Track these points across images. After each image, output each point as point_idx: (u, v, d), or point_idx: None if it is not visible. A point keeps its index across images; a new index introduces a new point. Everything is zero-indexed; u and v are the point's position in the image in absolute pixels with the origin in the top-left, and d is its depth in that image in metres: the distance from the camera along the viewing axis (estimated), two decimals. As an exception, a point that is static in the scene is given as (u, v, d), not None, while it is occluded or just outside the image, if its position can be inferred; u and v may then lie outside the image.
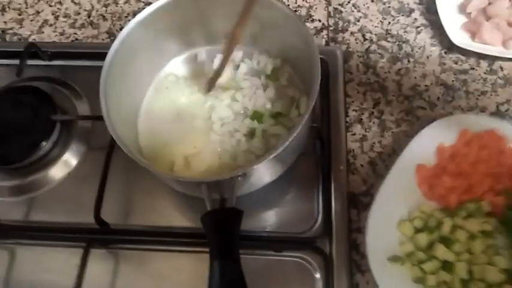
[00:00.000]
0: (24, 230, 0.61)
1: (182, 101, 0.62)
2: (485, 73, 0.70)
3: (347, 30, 0.76)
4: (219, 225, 0.46)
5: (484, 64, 0.71)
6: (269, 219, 0.61)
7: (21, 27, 0.79)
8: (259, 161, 0.47)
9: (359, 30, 0.75)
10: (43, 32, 0.78)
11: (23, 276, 0.58)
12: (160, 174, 0.52)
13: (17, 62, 0.70)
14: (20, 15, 0.80)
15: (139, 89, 0.63)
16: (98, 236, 0.59)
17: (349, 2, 0.78)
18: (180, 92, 0.62)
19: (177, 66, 0.66)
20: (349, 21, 0.76)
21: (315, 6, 0.78)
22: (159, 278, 0.57)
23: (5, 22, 0.79)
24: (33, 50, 0.70)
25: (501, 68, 0.70)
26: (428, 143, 0.61)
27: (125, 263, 0.58)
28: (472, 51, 0.70)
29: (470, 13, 0.73)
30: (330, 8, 0.78)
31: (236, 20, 0.52)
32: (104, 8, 0.80)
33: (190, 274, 0.57)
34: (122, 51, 0.56)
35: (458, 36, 0.71)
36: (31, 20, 0.79)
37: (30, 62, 0.70)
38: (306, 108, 0.56)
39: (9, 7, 0.80)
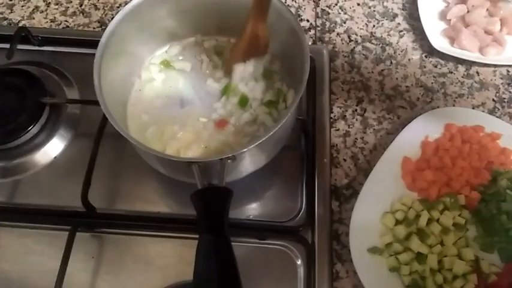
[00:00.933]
0: (8, 212, 0.60)
1: (172, 88, 0.63)
2: (462, 77, 0.74)
3: (333, 31, 0.78)
4: (209, 201, 0.47)
5: (461, 68, 0.74)
6: (254, 207, 0.63)
7: (11, 12, 0.79)
8: (250, 144, 0.49)
9: (345, 32, 0.78)
10: (34, 18, 0.78)
11: (6, 257, 0.58)
12: (150, 154, 0.53)
13: (6, 45, 0.69)
14: (10, 0, 0.80)
15: (130, 73, 0.64)
16: (84, 219, 0.59)
17: (336, 4, 0.81)
18: (171, 79, 0.63)
19: (170, 52, 0.67)
20: (335, 23, 0.79)
21: (303, 7, 0.81)
22: (144, 262, 0.58)
23: (-5, 6, 0.79)
24: (24, 34, 0.70)
25: (477, 73, 0.74)
26: (415, 136, 0.65)
27: (110, 247, 0.59)
28: (451, 55, 0.74)
29: (450, 20, 0.77)
30: (318, 9, 0.81)
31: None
32: (96, -2, 0.81)
33: (175, 259, 0.58)
34: (118, 31, 0.56)
35: (438, 41, 0.75)
36: (22, 6, 0.79)
37: (20, 46, 0.70)
38: (293, 99, 0.59)
39: (0, -8, 0.80)
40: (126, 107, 0.62)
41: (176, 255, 0.59)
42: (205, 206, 0.47)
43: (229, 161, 0.49)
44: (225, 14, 0.63)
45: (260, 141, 0.49)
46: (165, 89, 0.63)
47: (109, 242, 0.59)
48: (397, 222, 0.60)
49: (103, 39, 0.54)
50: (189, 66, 0.65)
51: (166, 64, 0.65)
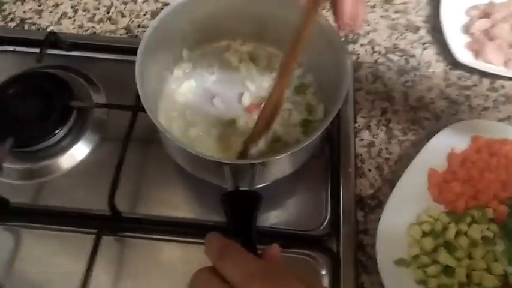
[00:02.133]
0: (32, 213, 0.60)
1: (203, 88, 0.64)
2: (487, 90, 0.73)
3: (357, 42, 0.79)
4: (240, 204, 0.46)
5: (486, 82, 0.74)
6: (278, 215, 0.62)
7: (39, 18, 0.80)
8: (284, 152, 0.49)
9: (368, 43, 0.79)
10: (61, 24, 0.79)
11: (30, 259, 0.58)
12: (181, 152, 0.52)
13: (35, 50, 0.71)
14: (39, 6, 0.81)
15: (165, 68, 0.65)
16: (109, 223, 0.59)
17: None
18: (203, 79, 0.64)
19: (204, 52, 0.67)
20: (359, 34, 0.80)
21: (326, 19, 0.81)
22: (168, 268, 0.58)
23: (24, 12, 0.80)
24: (52, 39, 0.72)
25: (502, 86, 0.74)
26: (441, 148, 0.64)
27: (134, 251, 0.58)
28: (475, 68, 0.73)
29: (473, 33, 0.77)
30: (341, 21, 0.81)
31: (289, 47, 0.49)
32: (123, 6, 0.82)
33: (199, 266, 0.57)
34: (161, 26, 0.57)
35: (462, 54, 0.75)
36: (50, 12, 0.81)
37: (49, 51, 0.71)
38: (324, 112, 0.59)
39: (29, -3, 0.82)
40: (158, 104, 0.62)
41: (200, 262, 0.56)
42: (234, 208, 0.47)
43: (260, 166, 0.49)
44: (263, 21, 0.64)
45: (292, 151, 0.49)
46: (197, 89, 0.64)
47: (133, 246, 0.59)
48: (424, 234, 0.59)
49: (147, 33, 0.55)
50: (222, 69, 0.66)
51: (199, 60, 0.65)
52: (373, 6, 0.83)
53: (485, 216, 0.59)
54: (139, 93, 0.51)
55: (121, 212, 0.58)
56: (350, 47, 0.78)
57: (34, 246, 0.59)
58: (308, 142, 0.50)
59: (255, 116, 0.59)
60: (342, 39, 0.79)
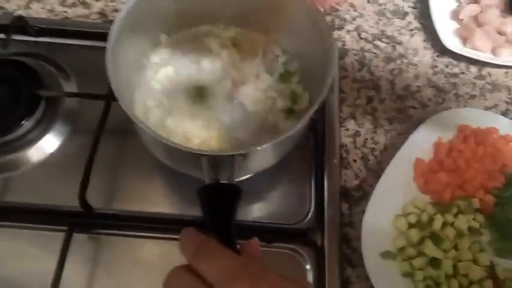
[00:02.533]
0: None
1: (183, 76, 0.60)
2: (474, 78, 0.72)
3: (343, 28, 0.76)
4: (217, 198, 0.44)
5: (473, 69, 0.73)
6: (261, 209, 0.60)
7: (7, 2, 0.75)
8: (264, 143, 0.46)
9: (355, 29, 0.76)
10: (31, 8, 0.75)
11: (-4, 259, 0.55)
12: (157, 143, 0.49)
13: (1, 36, 0.66)
14: (6, -12, 0.76)
15: (141, 55, 0.61)
16: (81, 220, 0.56)
17: (345, 1, 0.79)
18: (183, 66, 0.60)
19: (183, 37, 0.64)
20: (345, 20, 0.77)
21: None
22: (145, 266, 0.55)
23: (-11, -5, 0.75)
24: (20, 24, 0.67)
25: (489, 74, 0.72)
26: (428, 138, 0.62)
27: (108, 249, 0.55)
28: (463, 56, 0.72)
29: (462, 19, 0.75)
30: (327, 6, 0.78)
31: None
32: (97, -12, 0.77)
33: (177, 262, 0.54)
34: (135, 10, 0.53)
35: (450, 40, 0.73)
36: (18, -5, 0.76)
37: (16, 37, 0.67)
38: (309, 101, 0.57)
39: (-5, -20, 0.77)
40: (133, 92, 0.58)
41: (178, 259, 0.54)
42: (212, 203, 0.44)
43: (240, 157, 0.46)
44: (246, 4, 0.60)
45: (276, 141, 0.46)
46: (175, 76, 0.60)
47: (107, 243, 0.56)
48: (410, 226, 0.57)
49: (120, 15, 0.51)
50: (202, 55, 0.62)
51: (178, 46, 0.62)
52: (360, -9, 0.80)
53: (471, 206, 0.58)
54: (110, 82, 0.47)
55: (93, 208, 0.55)
56: (336, 34, 0.75)
57: (1, 245, 0.55)
58: (292, 132, 0.48)
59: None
60: (329, 25, 0.76)
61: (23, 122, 0.59)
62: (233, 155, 0.47)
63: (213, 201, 0.44)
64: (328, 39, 0.52)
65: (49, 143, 0.61)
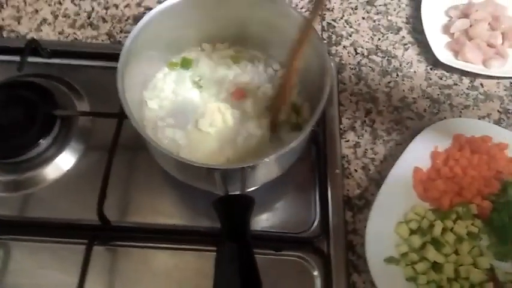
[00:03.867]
0: (21, 225, 0.59)
1: (187, 92, 0.64)
2: (467, 89, 0.76)
3: (340, 44, 0.80)
4: (232, 209, 0.47)
5: (466, 80, 0.76)
6: (268, 219, 0.63)
7: (19, 25, 0.78)
8: (271, 154, 0.49)
9: (351, 45, 0.80)
10: (41, 31, 0.78)
11: (19, 272, 0.57)
12: (170, 160, 0.52)
13: (16, 58, 0.69)
14: (18, 12, 0.79)
15: (149, 75, 0.64)
16: (100, 233, 0.58)
17: (341, 18, 0.83)
18: (187, 84, 0.64)
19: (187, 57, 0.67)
20: (341, 36, 0.81)
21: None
22: (161, 276, 0.57)
23: (2, 19, 0.78)
24: (33, 47, 0.70)
25: (481, 85, 0.76)
26: (425, 147, 0.66)
27: (125, 261, 0.58)
28: (455, 68, 0.75)
29: (453, 33, 0.79)
30: (324, 23, 0.82)
31: (291, 51, 0.54)
32: (104, 11, 0.81)
33: (192, 272, 0.58)
34: (141, 35, 0.57)
35: (443, 54, 0.77)
36: (29, 18, 0.79)
37: (29, 59, 0.70)
38: (310, 112, 0.59)
39: (7, 4, 0.80)
40: (142, 109, 0.62)
41: (193, 268, 0.58)
42: (228, 213, 0.47)
43: (249, 169, 0.49)
44: (245, 25, 0.64)
45: (281, 152, 0.49)
46: (181, 93, 0.63)
47: (124, 255, 0.58)
48: (412, 232, 0.60)
49: (127, 43, 0.55)
50: (206, 72, 0.65)
51: (185, 64, 0.66)
52: (355, 8, 0.84)
53: (470, 212, 0.61)
54: (122, 102, 0.50)
55: (111, 221, 0.58)
56: (333, 49, 0.79)
57: (24, 259, 0.58)
58: (296, 143, 0.50)
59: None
60: (325, 41, 0.80)
61: (40, 140, 0.62)
62: (243, 167, 0.49)
63: (228, 212, 0.47)
64: (323, 53, 0.56)
65: (65, 161, 0.64)
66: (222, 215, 0.46)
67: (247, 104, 0.62)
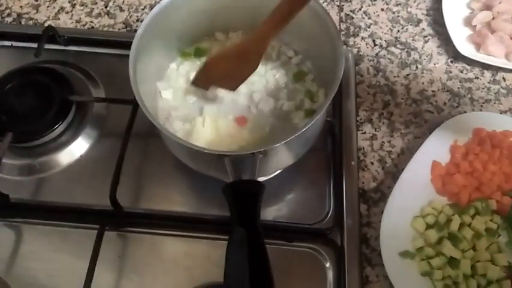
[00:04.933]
0: (34, 209, 0.60)
1: None
2: (488, 82, 0.73)
3: (358, 35, 0.78)
4: (242, 194, 0.46)
5: (487, 74, 0.74)
6: (281, 209, 0.62)
7: (37, 13, 0.79)
8: (283, 140, 0.48)
9: (369, 36, 0.78)
10: (59, 19, 0.78)
11: (32, 255, 0.57)
12: (181, 147, 0.52)
13: (33, 45, 0.70)
14: (36, 0, 0.80)
15: (163, 65, 0.64)
16: (111, 218, 0.58)
17: (360, 9, 0.81)
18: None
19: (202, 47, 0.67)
20: (360, 27, 0.79)
21: (327, 11, 0.81)
22: (171, 262, 0.57)
23: (21, 7, 0.79)
24: (50, 34, 0.71)
25: (503, 79, 0.74)
26: (443, 141, 0.64)
27: (136, 247, 0.58)
28: (477, 61, 0.73)
29: (475, 26, 0.77)
30: (342, 14, 0.81)
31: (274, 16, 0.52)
32: (121, 0, 0.81)
33: (202, 260, 0.57)
34: (154, 22, 0.56)
35: (464, 46, 0.75)
36: (47, 6, 0.80)
37: (46, 46, 0.70)
38: (324, 98, 0.58)
39: (26, -8, 0.81)
40: (156, 99, 0.61)
41: (203, 256, 0.58)
42: (237, 198, 0.46)
43: (260, 155, 0.48)
44: (257, 13, 0.63)
45: (293, 136, 0.48)
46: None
47: (135, 241, 0.58)
48: (428, 227, 0.59)
49: (140, 31, 0.54)
50: None
51: (199, 54, 0.65)
52: (374, 0, 0.82)
53: (489, 207, 0.59)
54: (133, 90, 0.50)
55: (123, 207, 0.58)
56: (351, 40, 0.78)
57: (35, 242, 0.58)
58: (306, 128, 0.49)
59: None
60: (343, 32, 0.78)
61: (56, 126, 0.62)
62: (253, 153, 0.48)
63: (238, 198, 0.46)
64: (336, 37, 0.54)
65: (79, 146, 0.64)
66: (231, 200, 0.46)
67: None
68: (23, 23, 0.78)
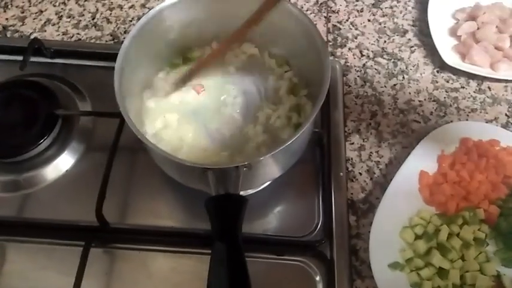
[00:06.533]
0: (18, 226, 0.59)
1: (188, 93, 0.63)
2: (474, 92, 0.74)
3: (345, 46, 0.79)
4: (223, 209, 0.46)
5: (473, 84, 0.75)
6: (270, 222, 0.61)
7: (23, 25, 0.78)
8: (268, 152, 0.48)
9: (356, 47, 0.79)
10: (45, 31, 0.78)
11: (16, 274, 0.56)
12: (166, 160, 0.51)
13: (19, 58, 0.69)
14: (22, 13, 0.80)
15: (149, 76, 0.63)
16: (97, 234, 0.57)
17: (347, 20, 0.82)
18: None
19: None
20: (347, 38, 0.80)
21: (315, 22, 0.81)
22: (159, 279, 0.56)
23: (6, 19, 0.79)
24: (36, 46, 0.70)
25: (489, 88, 0.74)
26: (431, 151, 0.64)
27: (123, 263, 0.57)
28: (462, 71, 0.74)
29: (460, 36, 0.78)
30: (329, 25, 0.81)
31: (248, 18, 0.53)
32: (109, 11, 0.81)
33: (189, 275, 0.57)
34: (140, 36, 0.56)
35: (450, 56, 0.75)
36: (34, 19, 0.79)
37: (32, 58, 0.70)
38: (313, 108, 0.58)
39: (11, 4, 0.80)
40: (142, 113, 0.61)
41: (191, 271, 0.57)
42: (218, 213, 0.46)
43: (244, 169, 0.48)
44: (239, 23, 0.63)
45: (279, 149, 0.48)
46: (181, 93, 0.62)
47: (123, 257, 0.58)
48: (417, 237, 0.59)
49: (126, 43, 0.54)
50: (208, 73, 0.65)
51: (187, 63, 0.65)
52: (361, 10, 0.83)
53: (476, 217, 0.59)
54: (118, 103, 0.50)
55: (109, 223, 0.57)
56: (338, 51, 0.78)
57: (20, 260, 0.57)
58: (291, 141, 0.49)
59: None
60: (330, 43, 0.79)
61: (41, 141, 0.61)
62: (237, 166, 0.48)
63: (220, 212, 0.46)
64: (322, 50, 0.54)
65: (65, 161, 0.63)
66: (212, 215, 0.45)
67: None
68: (8, 35, 0.77)
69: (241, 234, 0.45)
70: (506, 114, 0.72)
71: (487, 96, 0.74)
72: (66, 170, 0.63)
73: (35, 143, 0.61)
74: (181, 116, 0.60)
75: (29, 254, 0.57)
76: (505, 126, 0.70)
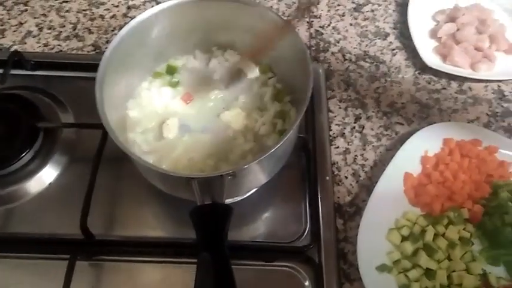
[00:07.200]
0: (1, 242, 0.58)
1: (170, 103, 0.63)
2: (456, 93, 0.75)
3: (328, 50, 0.80)
4: (208, 218, 0.45)
5: (454, 84, 0.76)
6: (258, 229, 0.61)
7: (2, 37, 0.77)
8: (253, 160, 0.48)
9: (339, 51, 0.80)
10: (26, 43, 0.77)
11: (-1, 290, 0.55)
12: (150, 170, 0.51)
13: (-1, 70, 0.68)
14: (2, 25, 0.79)
15: (131, 87, 0.63)
16: (82, 247, 0.56)
17: (329, 25, 0.83)
18: (169, 94, 0.63)
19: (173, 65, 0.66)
20: (329, 42, 0.80)
21: (297, 28, 0.82)
22: (146, 290, 0.56)
23: (-15, 32, 0.78)
24: (16, 59, 0.69)
25: (470, 89, 0.76)
26: (415, 152, 0.65)
27: (110, 275, 0.56)
28: (443, 72, 0.75)
29: (441, 38, 0.79)
30: (312, 30, 0.82)
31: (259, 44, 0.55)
32: (90, 22, 0.80)
33: (178, 285, 0.56)
34: (122, 46, 0.56)
35: (431, 58, 0.77)
36: (13, 31, 0.78)
37: (12, 71, 0.69)
38: (297, 114, 0.58)
39: (-10, 17, 0.79)
40: (126, 123, 0.60)
41: (179, 282, 0.56)
42: (203, 222, 0.46)
43: (229, 177, 0.48)
44: (232, 32, 0.64)
45: (263, 157, 0.48)
46: (163, 104, 0.62)
47: (109, 270, 0.57)
48: (403, 239, 0.59)
49: (107, 53, 0.54)
50: (187, 81, 0.65)
51: (170, 71, 0.65)
52: (343, 15, 0.84)
53: (461, 216, 0.60)
54: (100, 115, 0.49)
55: (94, 235, 0.56)
56: (321, 56, 0.79)
57: (3, 275, 0.56)
58: (275, 148, 0.49)
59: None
60: (313, 48, 0.79)
61: (23, 154, 0.60)
62: (222, 175, 0.48)
63: (205, 221, 0.46)
64: (304, 56, 0.55)
65: (48, 174, 0.63)
66: (197, 225, 0.45)
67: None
68: (-13, 48, 0.76)
69: (227, 243, 0.45)
70: (487, 114, 0.73)
71: (468, 97, 0.75)
72: (50, 183, 0.62)
73: (17, 156, 0.60)
74: (166, 125, 0.60)
75: (13, 270, 0.56)
76: (487, 125, 0.72)
